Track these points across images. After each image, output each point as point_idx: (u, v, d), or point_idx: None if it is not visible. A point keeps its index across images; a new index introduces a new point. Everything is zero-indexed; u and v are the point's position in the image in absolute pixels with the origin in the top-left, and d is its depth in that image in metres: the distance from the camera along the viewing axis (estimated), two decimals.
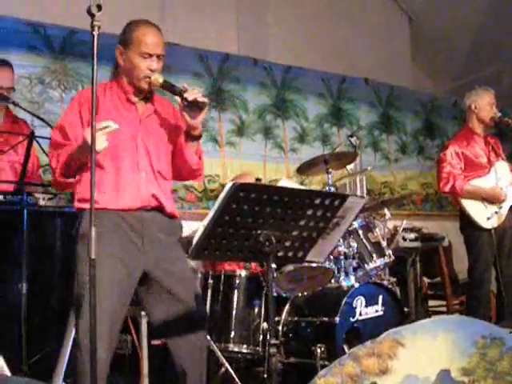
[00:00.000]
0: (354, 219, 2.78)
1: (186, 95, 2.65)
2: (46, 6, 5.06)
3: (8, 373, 2.74)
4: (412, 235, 5.88)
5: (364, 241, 4.06)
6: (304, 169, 4.36)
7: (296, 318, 3.86)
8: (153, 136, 2.80)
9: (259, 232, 2.22)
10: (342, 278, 3.93)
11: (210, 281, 3.94)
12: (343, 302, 3.60)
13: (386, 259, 4.06)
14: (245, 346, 3.82)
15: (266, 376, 3.69)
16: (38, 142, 3.59)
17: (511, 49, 6.94)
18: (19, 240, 3.21)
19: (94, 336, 2.13)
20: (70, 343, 3.07)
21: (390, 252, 4.12)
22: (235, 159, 6.11)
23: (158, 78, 2.72)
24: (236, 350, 3.81)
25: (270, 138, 6.40)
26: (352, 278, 3.92)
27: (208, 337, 3.29)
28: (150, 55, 2.72)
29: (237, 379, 3.62)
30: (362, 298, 3.71)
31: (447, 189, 4.65)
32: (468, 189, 4.61)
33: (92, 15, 2.16)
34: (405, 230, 5.75)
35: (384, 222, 4.57)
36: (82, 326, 2.51)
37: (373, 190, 6.95)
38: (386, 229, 4.59)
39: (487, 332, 2.06)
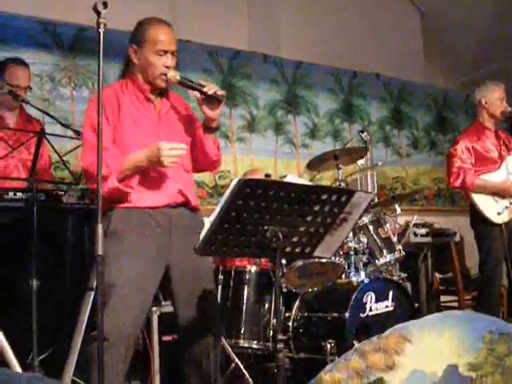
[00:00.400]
0: (363, 215, 2.78)
1: (205, 90, 2.71)
2: (55, 3, 5.07)
3: (18, 369, 2.76)
4: (423, 230, 5.84)
5: (374, 236, 4.05)
6: (314, 164, 4.36)
7: (306, 314, 3.87)
8: (173, 131, 2.85)
9: (266, 228, 2.22)
10: (352, 273, 3.93)
11: (221, 276, 3.95)
12: (353, 298, 3.61)
13: (397, 254, 4.06)
14: (255, 341, 3.83)
15: (276, 371, 3.69)
16: (47, 139, 3.59)
17: None
18: (29, 237, 3.22)
19: (102, 331, 2.14)
20: (80, 339, 3.09)
21: (401, 247, 4.11)
22: (246, 155, 6.11)
23: (175, 75, 2.76)
24: (246, 345, 3.82)
25: (280, 133, 6.40)
26: (362, 273, 3.92)
27: None
28: (165, 52, 2.76)
29: (247, 375, 3.64)
30: (372, 294, 3.71)
31: (457, 184, 4.62)
32: (478, 183, 4.58)
33: (98, 13, 2.18)
34: (416, 225, 5.72)
35: (395, 218, 4.56)
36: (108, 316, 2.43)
37: (384, 185, 6.94)
38: (397, 224, 4.58)
39: (494, 327, 2.05)
